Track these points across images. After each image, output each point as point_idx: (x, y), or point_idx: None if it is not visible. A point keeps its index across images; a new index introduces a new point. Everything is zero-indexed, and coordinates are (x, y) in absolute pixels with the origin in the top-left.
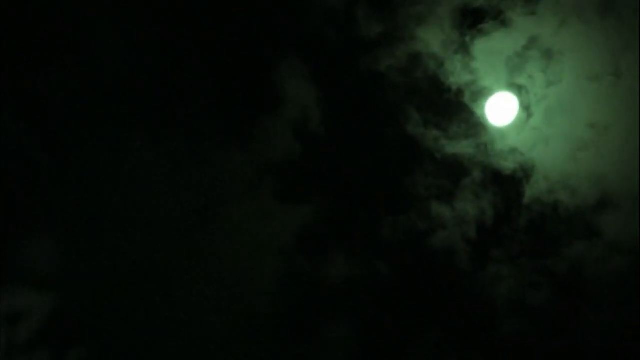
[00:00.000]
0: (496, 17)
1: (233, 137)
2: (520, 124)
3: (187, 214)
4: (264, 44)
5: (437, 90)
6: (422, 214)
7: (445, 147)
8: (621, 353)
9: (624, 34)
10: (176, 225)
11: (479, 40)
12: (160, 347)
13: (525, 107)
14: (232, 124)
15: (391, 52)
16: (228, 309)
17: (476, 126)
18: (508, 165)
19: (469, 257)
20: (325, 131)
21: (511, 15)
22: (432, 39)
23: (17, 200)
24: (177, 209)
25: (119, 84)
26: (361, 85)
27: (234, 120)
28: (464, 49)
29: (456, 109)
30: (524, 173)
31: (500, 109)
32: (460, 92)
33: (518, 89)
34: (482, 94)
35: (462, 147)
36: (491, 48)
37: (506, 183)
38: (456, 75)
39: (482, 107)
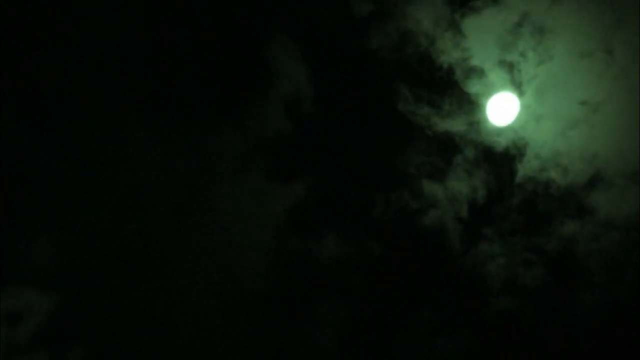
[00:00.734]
0: None
1: (225, 116)
2: (512, 103)
3: (179, 193)
4: (255, 22)
5: (429, 67)
6: (414, 192)
7: (436, 125)
8: (613, 329)
9: (616, 10)
10: (169, 206)
11: (470, 17)
12: (160, 347)
13: (517, 85)
14: (224, 103)
15: (382, 29)
16: (220, 287)
17: (468, 104)
18: (500, 142)
19: (460, 235)
20: (316, 109)
21: None
22: (423, 16)
23: (17, 200)
24: (169, 189)
25: (110, 66)
26: (352, 63)
27: (225, 99)
28: (455, 26)
29: (448, 86)
30: (516, 151)
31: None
32: (451, 69)
33: (509, 66)
34: (473, 71)
35: (454, 125)
36: (482, 25)
37: (498, 161)
38: (447, 52)
39: (475, 85)
